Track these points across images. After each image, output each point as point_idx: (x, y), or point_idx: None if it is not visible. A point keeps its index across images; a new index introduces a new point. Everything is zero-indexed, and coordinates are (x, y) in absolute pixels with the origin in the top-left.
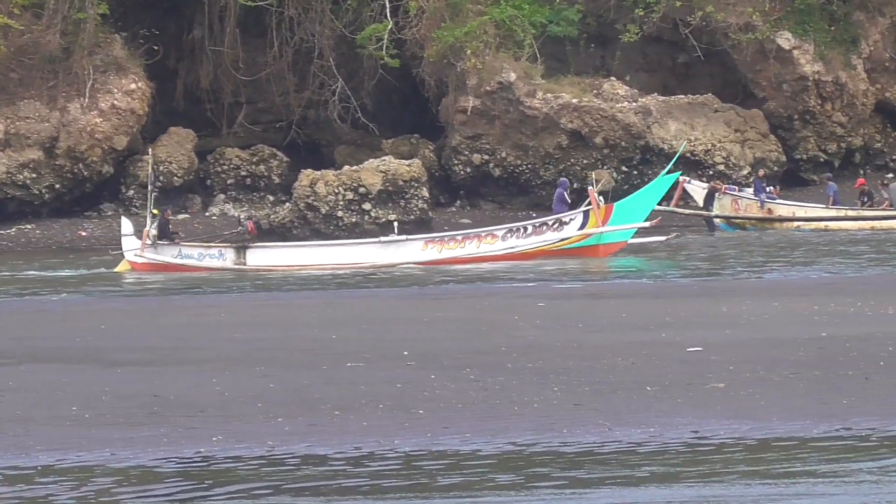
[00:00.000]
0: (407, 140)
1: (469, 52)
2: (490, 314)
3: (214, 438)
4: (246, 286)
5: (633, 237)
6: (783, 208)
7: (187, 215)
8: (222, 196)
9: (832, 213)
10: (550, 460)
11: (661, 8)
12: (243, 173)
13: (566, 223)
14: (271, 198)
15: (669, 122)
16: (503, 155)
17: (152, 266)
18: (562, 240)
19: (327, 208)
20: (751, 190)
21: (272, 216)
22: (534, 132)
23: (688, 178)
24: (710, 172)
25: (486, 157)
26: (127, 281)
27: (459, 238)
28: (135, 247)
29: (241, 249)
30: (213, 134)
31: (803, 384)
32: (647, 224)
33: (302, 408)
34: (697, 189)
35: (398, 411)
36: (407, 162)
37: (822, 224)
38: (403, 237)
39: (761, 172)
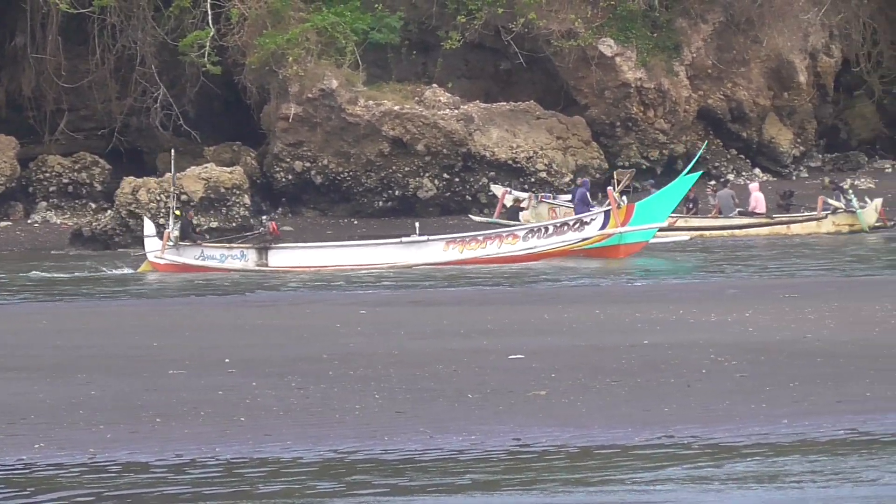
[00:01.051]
0: (229, 147)
1: (291, 59)
2: (312, 321)
3: (36, 446)
4: (78, 295)
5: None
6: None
7: (9, 223)
8: (44, 204)
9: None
10: (372, 468)
11: (482, 15)
12: (65, 181)
13: (587, 223)
14: (93, 205)
15: (491, 130)
16: (325, 162)
17: (175, 267)
18: (583, 240)
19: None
20: (567, 196)
21: (94, 224)
22: (355, 139)
23: (509, 189)
24: (532, 180)
25: (308, 164)
26: None
27: (481, 238)
28: (156, 248)
29: (262, 250)
30: (35, 141)
31: (625, 391)
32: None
33: (124, 415)
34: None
35: (220, 418)
36: (229, 169)
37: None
38: (425, 238)
39: (579, 180)
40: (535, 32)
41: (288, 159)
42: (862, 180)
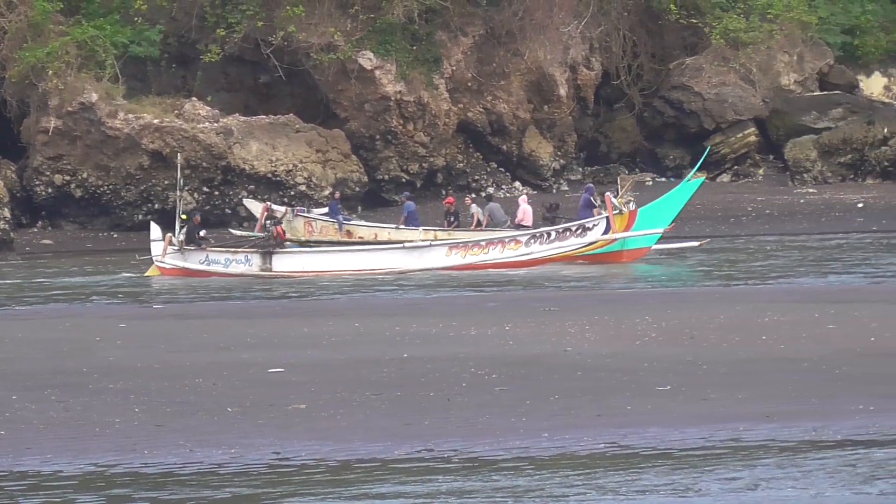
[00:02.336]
0: None
1: (51, 72)
2: (71, 334)
3: None
4: None
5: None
6: (363, 230)
7: None
8: None
9: (415, 233)
10: (132, 481)
11: (242, 28)
12: None
13: (589, 229)
14: None
15: (251, 143)
16: (85, 175)
17: (181, 271)
18: (585, 245)
19: None
20: (323, 210)
21: None
22: (115, 153)
23: (270, 203)
24: (292, 193)
25: (68, 177)
26: None
27: (483, 244)
28: (160, 252)
29: (266, 255)
30: None
31: (385, 405)
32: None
33: None
34: (257, 208)
35: None
36: None
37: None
38: (427, 243)
39: (337, 194)
40: (295, 45)
41: (48, 172)
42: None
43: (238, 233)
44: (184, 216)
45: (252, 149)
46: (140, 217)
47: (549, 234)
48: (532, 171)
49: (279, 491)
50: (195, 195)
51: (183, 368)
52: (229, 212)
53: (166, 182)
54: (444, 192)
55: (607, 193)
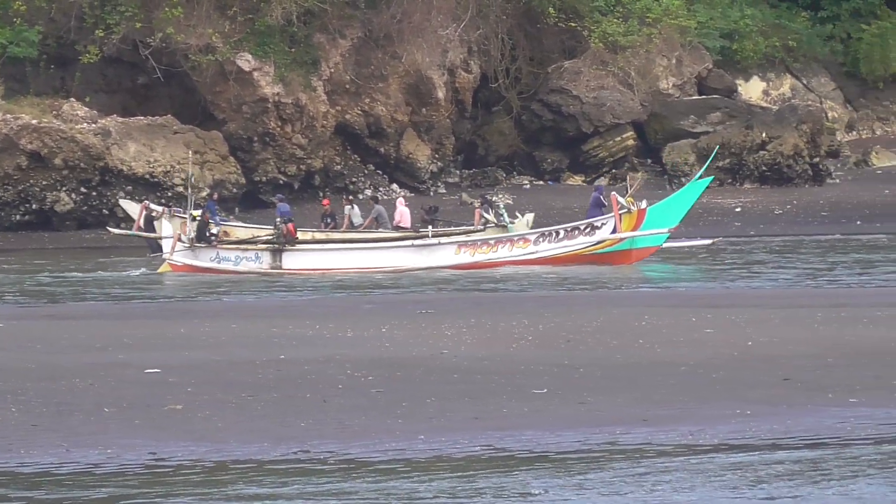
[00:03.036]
0: None
1: None
2: None
3: None
4: None
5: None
6: (242, 230)
7: None
8: None
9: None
10: (8, 481)
11: (121, 29)
12: None
13: (598, 228)
14: None
15: (129, 144)
16: None
17: (191, 268)
18: (594, 244)
19: None
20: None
21: None
22: None
23: (147, 202)
24: (170, 194)
25: None
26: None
27: (492, 242)
28: (176, 248)
29: (276, 252)
30: None
31: (261, 406)
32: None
33: None
34: (134, 208)
35: None
36: None
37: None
38: (436, 241)
39: (215, 195)
40: (173, 47)
41: None
42: (500, 196)
43: (116, 231)
44: (195, 213)
45: (130, 150)
46: (17, 217)
47: (557, 233)
48: (409, 174)
49: (155, 491)
50: (72, 196)
51: (60, 369)
52: (107, 212)
53: (44, 183)
54: (321, 195)
55: (613, 193)
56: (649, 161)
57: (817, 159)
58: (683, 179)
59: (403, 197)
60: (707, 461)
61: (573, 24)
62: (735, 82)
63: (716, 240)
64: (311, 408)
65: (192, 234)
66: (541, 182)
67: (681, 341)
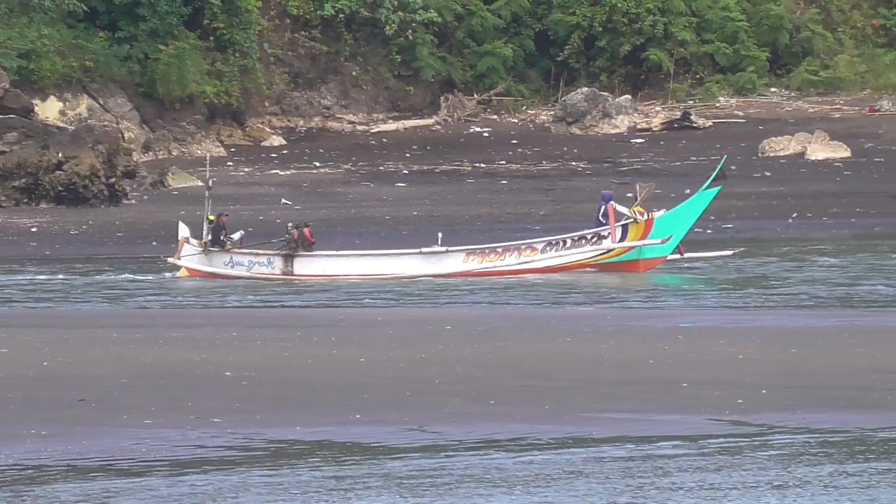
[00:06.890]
0: None
1: None
2: None
3: None
4: None
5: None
6: None
7: None
8: None
9: None
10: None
11: None
12: None
13: (605, 237)
14: None
15: None
16: None
17: (205, 274)
18: (601, 253)
19: None
20: None
21: None
22: None
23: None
24: None
25: None
26: None
27: (500, 250)
28: (189, 252)
29: (288, 258)
30: None
31: None
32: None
33: None
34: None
35: None
36: None
37: None
38: (444, 249)
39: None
40: None
41: None
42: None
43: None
44: (211, 216)
45: None
46: None
47: (565, 242)
48: None
49: None
50: None
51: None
52: None
53: None
54: None
55: (611, 202)
56: None
57: (114, 179)
58: None
59: None
60: None
61: None
62: (32, 102)
63: (736, 251)
64: None
65: (209, 238)
66: None
67: None
